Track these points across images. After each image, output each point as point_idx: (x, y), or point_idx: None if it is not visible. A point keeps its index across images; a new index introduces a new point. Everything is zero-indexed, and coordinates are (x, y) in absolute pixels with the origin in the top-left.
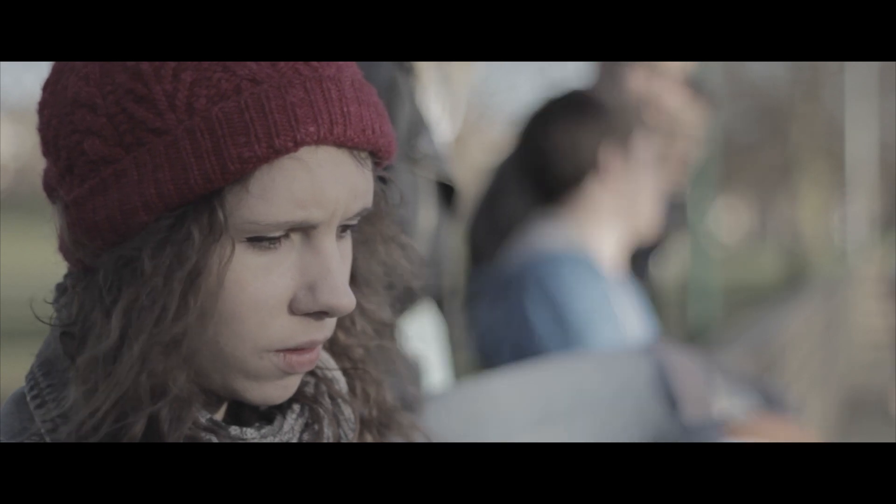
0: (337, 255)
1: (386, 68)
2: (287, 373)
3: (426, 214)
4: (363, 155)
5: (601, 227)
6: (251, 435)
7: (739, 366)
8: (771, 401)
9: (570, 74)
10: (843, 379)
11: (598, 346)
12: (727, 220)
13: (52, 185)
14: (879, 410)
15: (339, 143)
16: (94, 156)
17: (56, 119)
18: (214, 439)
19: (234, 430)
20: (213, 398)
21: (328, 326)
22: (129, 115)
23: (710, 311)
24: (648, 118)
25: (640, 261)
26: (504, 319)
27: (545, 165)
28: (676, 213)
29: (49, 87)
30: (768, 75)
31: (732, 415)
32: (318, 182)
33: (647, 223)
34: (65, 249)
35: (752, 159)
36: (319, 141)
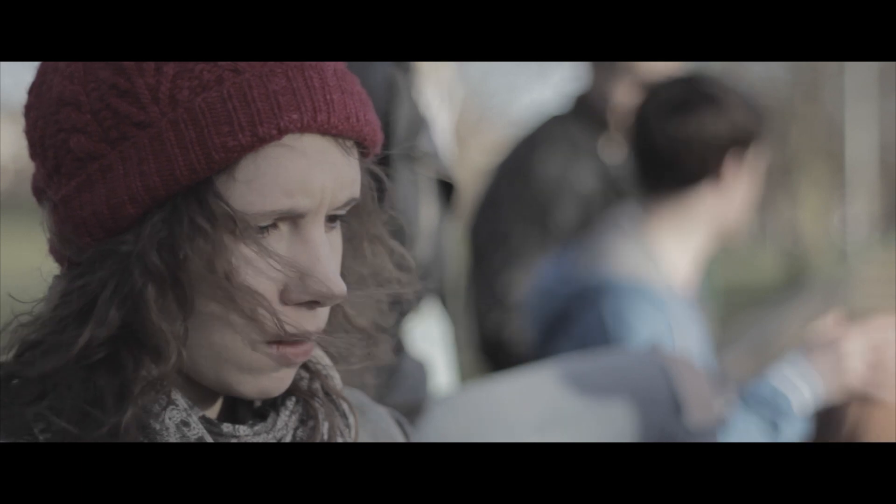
0: (326, 244)
1: (384, 67)
2: (282, 364)
3: (427, 213)
4: (349, 143)
5: (690, 236)
6: (244, 432)
7: (740, 370)
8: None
9: (571, 74)
10: None
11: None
12: None
13: (41, 187)
14: None
15: (324, 131)
16: (80, 153)
17: (42, 120)
18: (207, 437)
19: (227, 428)
20: (207, 395)
21: (320, 317)
22: (113, 111)
23: (710, 311)
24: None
25: None
26: (562, 330)
27: (661, 161)
28: None
29: (34, 89)
30: (768, 76)
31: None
32: (304, 169)
33: (733, 231)
34: (54, 250)
35: None
36: (303, 128)
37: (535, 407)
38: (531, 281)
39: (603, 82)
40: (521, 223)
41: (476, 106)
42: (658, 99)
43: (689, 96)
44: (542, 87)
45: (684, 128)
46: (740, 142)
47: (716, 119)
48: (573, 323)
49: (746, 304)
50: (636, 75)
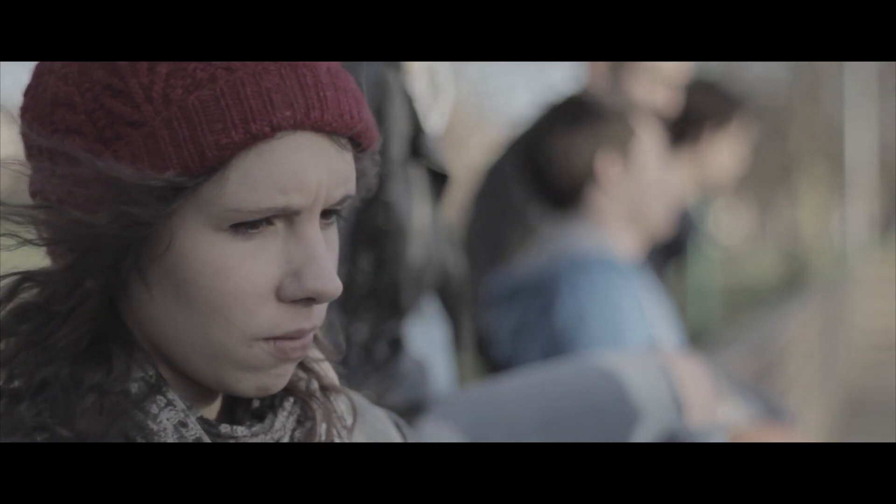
0: (321, 241)
1: (375, 65)
2: (280, 360)
3: (421, 211)
4: (343, 141)
5: (612, 232)
6: (242, 433)
7: (739, 370)
8: (771, 407)
9: (570, 74)
10: (843, 380)
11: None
12: (727, 221)
13: (37, 188)
14: (879, 411)
15: (317, 128)
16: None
17: (37, 121)
18: (205, 438)
19: (225, 429)
20: (205, 395)
21: (316, 314)
22: (107, 111)
23: (710, 311)
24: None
25: (659, 265)
26: (535, 325)
27: (545, 175)
28: (688, 218)
29: (30, 91)
30: (768, 76)
31: (736, 420)
32: (298, 167)
33: (657, 225)
34: (52, 251)
35: (752, 160)
36: (296, 125)
37: (535, 407)
38: (483, 299)
39: (625, 82)
40: (514, 224)
41: (476, 106)
42: (533, 121)
43: (549, 114)
44: (542, 86)
45: (545, 156)
46: (610, 142)
47: (573, 130)
48: (547, 313)
49: (746, 304)
50: (657, 74)
